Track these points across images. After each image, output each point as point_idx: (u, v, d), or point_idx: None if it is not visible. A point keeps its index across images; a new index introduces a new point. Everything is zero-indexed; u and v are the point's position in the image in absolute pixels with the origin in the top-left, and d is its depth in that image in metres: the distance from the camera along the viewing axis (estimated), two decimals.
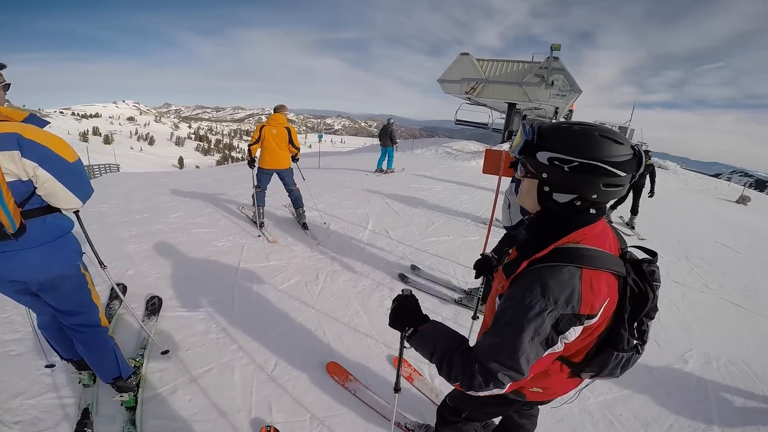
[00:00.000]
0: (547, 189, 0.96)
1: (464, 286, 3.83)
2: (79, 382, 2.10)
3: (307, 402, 2.23)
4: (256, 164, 4.69)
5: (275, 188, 5.16)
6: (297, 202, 4.86)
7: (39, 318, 1.91)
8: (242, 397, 2.20)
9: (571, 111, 17.79)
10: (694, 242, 5.90)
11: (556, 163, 0.91)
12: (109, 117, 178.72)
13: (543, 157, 0.93)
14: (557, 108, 15.96)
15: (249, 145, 4.59)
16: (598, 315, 0.92)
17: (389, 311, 1.21)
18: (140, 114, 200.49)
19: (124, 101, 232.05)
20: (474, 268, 1.67)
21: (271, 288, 3.45)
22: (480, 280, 2.65)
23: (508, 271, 1.03)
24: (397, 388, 1.48)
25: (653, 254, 1.04)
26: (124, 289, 3.14)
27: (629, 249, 1.07)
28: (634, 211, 7.00)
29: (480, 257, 1.68)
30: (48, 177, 1.47)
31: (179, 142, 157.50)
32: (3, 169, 1.37)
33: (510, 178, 2.99)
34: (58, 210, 1.62)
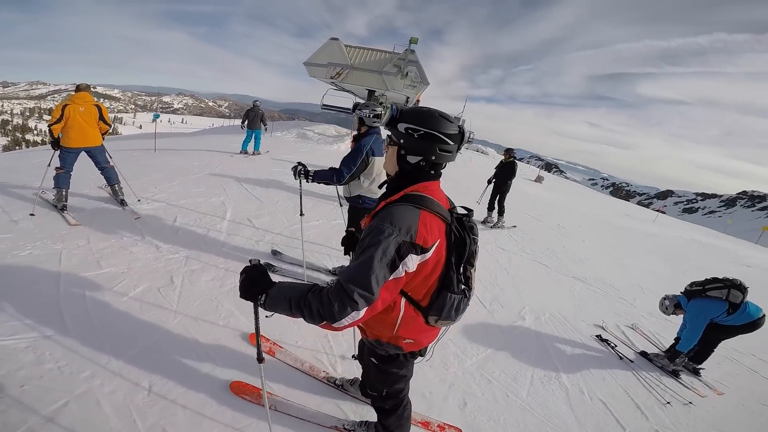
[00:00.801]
0: (403, 152, 1.29)
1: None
2: None
3: (208, 416, 1.96)
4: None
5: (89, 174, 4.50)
6: (111, 179, 4.60)
7: None
8: (126, 428, 1.82)
9: (417, 101, 19.43)
10: (510, 215, 7.25)
11: (409, 131, 1.25)
12: None
13: (401, 127, 1.27)
14: (408, 97, 17.26)
15: (50, 125, 4.17)
16: (431, 250, 1.19)
17: (239, 284, 1.25)
18: None
19: None
20: (342, 245, 1.82)
21: (112, 300, 2.73)
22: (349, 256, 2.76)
23: (370, 212, 1.35)
24: (260, 359, 1.50)
25: (470, 211, 1.37)
26: None
27: (456, 208, 1.40)
28: (501, 211, 7.19)
29: (345, 234, 1.84)
30: None
31: None
32: None
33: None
34: None
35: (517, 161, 7.41)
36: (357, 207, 3.26)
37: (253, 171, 7.40)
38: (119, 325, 2.50)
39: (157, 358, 2.27)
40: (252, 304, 1.27)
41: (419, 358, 1.54)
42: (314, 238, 4.45)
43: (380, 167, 3.17)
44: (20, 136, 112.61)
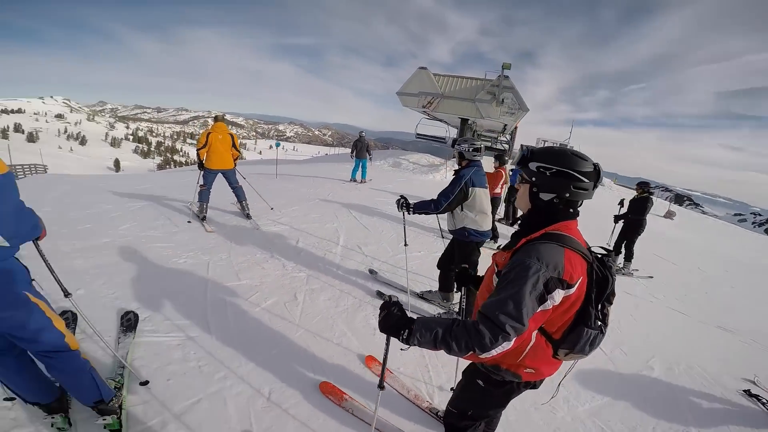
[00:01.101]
0: (535, 190, 1.34)
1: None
2: (52, 425, 1.84)
3: (314, 428, 2.10)
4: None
5: (225, 194, 5.81)
6: (240, 196, 5.61)
7: None
8: (242, 429, 2.02)
9: (515, 128, 18.46)
10: (637, 256, 6.36)
11: (541, 170, 1.30)
12: (34, 113, 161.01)
13: (533, 166, 1.32)
14: (506, 125, 16.60)
15: (198, 150, 5.22)
16: (576, 287, 1.20)
17: (379, 319, 1.37)
18: (71, 111, 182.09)
19: (52, 97, 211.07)
20: (455, 281, 1.97)
21: (248, 309, 3.18)
22: (461, 292, 2.85)
23: (508, 248, 1.39)
24: (381, 386, 1.59)
25: (609, 252, 1.37)
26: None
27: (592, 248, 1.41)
28: (629, 256, 6.19)
29: (458, 270, 1.93)
30: None
31: (115, 143, 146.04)
32: None
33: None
34: None
35: (652, 197, 6.24)
36: (463, 240, 3.31)
37: (359, 199, 8.00)
38: (252, 332, 2.84)
39: (279, 367, 2.50)
40: (386, 336, 1.39)
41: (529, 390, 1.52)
42: (417, 268, 4.61)
43: (482, 199, 3.22)
44: (170, 156, 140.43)
